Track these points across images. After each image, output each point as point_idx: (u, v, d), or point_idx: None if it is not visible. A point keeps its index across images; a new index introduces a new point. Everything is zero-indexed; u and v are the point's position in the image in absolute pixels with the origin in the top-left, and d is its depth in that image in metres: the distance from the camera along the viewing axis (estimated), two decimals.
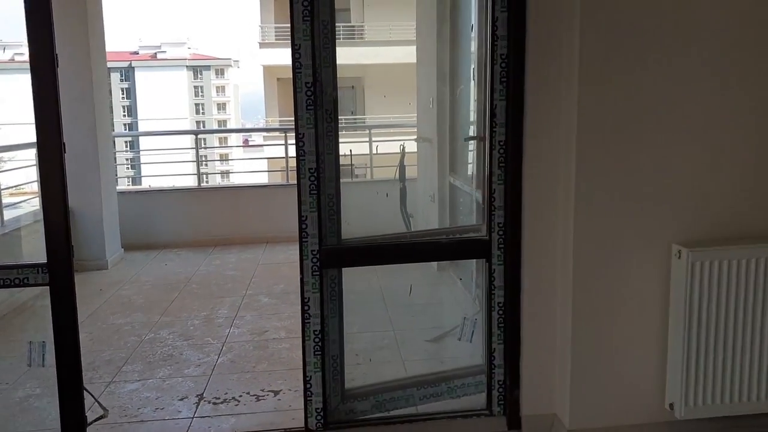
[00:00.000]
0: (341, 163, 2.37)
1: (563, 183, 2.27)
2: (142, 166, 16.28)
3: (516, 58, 2.25)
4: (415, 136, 5.13)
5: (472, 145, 3.41)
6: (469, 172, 3.69)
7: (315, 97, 2.20)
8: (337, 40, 2.28)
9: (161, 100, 43.45)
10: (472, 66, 3.34)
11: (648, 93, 2.17)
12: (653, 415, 2.30)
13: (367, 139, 6.52)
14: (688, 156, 2.21)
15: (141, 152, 21.89)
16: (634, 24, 2.13)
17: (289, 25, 2.19)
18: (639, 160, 2.20)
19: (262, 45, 17.17)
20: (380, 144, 6.84)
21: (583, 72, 2.14)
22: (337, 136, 2.33)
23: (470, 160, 3.76)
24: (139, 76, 44.81)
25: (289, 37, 2.18)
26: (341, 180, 2.35)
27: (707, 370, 2.19)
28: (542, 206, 2.32)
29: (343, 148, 2.39)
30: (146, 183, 14.04)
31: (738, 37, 2.18)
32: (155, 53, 46.16)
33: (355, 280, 2.58)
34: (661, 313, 2.26)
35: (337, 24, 2.29)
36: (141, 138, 30.00)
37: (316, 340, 2.30)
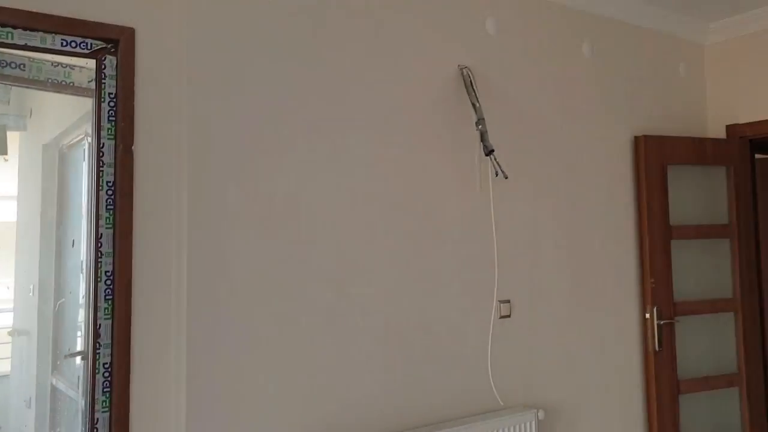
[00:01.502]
0: None
1: (174, 411, 2.20)
2: None
3: (122, 278, 2.20)
4: (11, 326, 4.51)
5: (80, 344, 3.13)
6: (77, 373, 3.35)
7: None
8: None
9: None
10: (81, 258, 3.15)
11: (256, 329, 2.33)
12: None
13: None
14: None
15: None
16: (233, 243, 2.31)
17: None
18: (247, 379, 2.29)
19: None
20: None
21: (191, 302, 2.20)
22: None
23: (78, 360, 3.43)
24: None
25: None
26: None
27: None
28: None
29: None
30: None
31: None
32: None
33: None
34: None
35: None
36: None
37: None
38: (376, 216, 2.66)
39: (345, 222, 2.57)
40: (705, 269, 3.89)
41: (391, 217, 2.70)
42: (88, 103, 2.42)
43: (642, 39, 3.80)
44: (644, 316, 3.58)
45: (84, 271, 2.47)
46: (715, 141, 3.85)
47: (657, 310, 3.56)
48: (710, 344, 3.82)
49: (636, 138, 3.69)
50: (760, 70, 3.91)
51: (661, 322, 3.56)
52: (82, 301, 2.73)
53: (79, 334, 2.99)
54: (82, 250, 2.44)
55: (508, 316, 3.08)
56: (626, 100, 3.70)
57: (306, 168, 2.49)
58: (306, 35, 2.52)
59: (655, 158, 3.66)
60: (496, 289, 2.96)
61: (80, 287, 2.81)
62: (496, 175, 2.80)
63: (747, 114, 3.96)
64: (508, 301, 3.08)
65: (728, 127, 4.03)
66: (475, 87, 2.90)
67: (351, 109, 2.61)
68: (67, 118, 3.40)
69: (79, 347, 2.69)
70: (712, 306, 3.77)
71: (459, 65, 2.94)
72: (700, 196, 3.92)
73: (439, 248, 2.84)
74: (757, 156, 4.18)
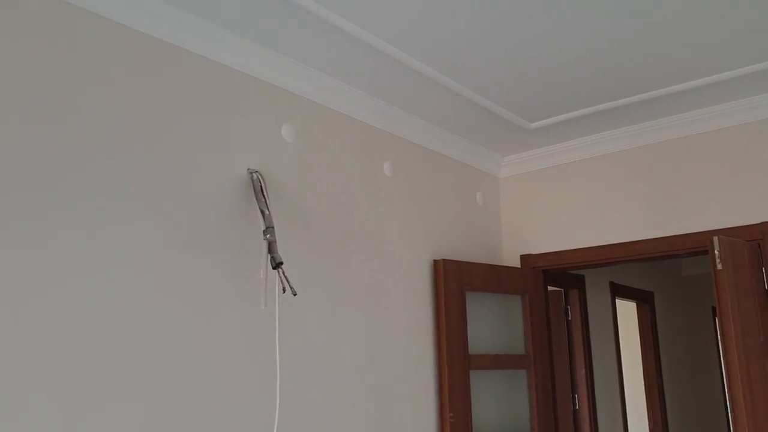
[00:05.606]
0: None
1: None
2: None
3: None
4: None
5: None
6: None
7: None
8: None
9: None
10: None
11: None
12: None
13: None
14: None
15: None
16: None
17: None
18: None
19: None
20: None
21: None
22: None
23: None
24: None
25: None
26: None
27: None
28: None
29: None
30: None
31: None
32: None
33: None
34: None
35: None
36: None
37: None
38: (134, 338, 2.30)
39: (96, 338, 2.18)
40: (504, 398, 3.91)
41: (150, 344, 2.35)
42: None
43: (442, 165, 3.96)
44: None
45: None
46: (511, 269, 4.01)
47: None
48: None
49: (435, 261, 3.73)
50: (548, 204, 4.23)
51: None
52: None
53: None
54: None
55: None
56: (426, 223, 3.76)
57: (52, 282, 2.10)
58: (59, 126, 2.22)
59: (454, 283, 3.70)
60: (275, 428, 2.63)
61: None
62: (284, 291, 2.59)
63: (538, 245, 4.22)
64: None
65: (522, 257, 4.26)
66: (265, 193, 2.74)
67: (110, 219, 2.31)
68: None
69: None
70: None
71: (249, 169, 2.78)
72: (497, 323, 4.01)
73: (211, 378, 2.51)
74: (549, 288, 4.42)
